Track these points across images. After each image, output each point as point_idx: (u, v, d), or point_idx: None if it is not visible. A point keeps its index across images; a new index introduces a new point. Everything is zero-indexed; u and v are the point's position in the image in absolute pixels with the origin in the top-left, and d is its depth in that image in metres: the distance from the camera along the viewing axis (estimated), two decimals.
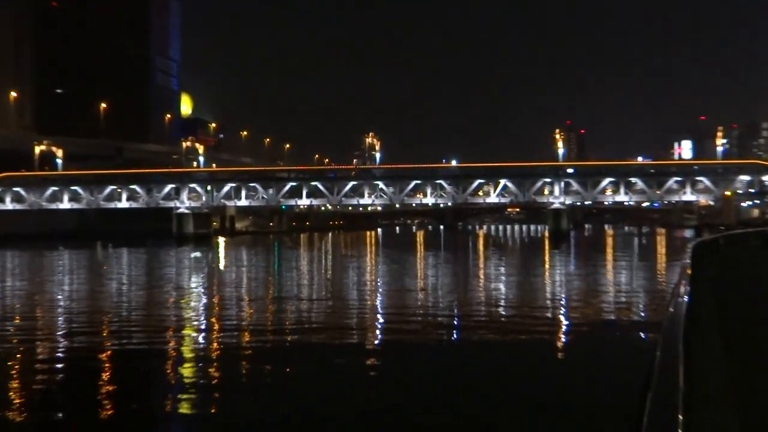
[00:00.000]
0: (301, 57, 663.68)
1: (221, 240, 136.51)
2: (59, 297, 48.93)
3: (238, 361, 25.32)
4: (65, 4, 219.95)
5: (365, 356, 26.27)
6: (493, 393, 20.89)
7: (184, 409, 19.95)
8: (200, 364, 25.53)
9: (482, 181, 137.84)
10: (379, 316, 38.32)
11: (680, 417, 4.96)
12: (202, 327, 35.06)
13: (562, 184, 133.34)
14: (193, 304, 44.78)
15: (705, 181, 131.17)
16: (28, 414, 19.25)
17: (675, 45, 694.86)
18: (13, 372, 24.33)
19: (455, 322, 35.50)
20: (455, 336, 31.86)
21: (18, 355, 27.08)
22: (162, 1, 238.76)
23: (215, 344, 29.40)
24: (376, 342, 30.19)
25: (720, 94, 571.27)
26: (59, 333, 32.81)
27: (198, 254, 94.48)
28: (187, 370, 24.64)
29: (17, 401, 20.39)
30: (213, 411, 19.58)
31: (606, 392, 19.79)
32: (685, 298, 12.66)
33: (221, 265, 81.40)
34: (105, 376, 24.28)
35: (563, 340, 30.96)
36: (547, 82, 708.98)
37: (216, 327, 34.09)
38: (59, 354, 27.70)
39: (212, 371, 24.11)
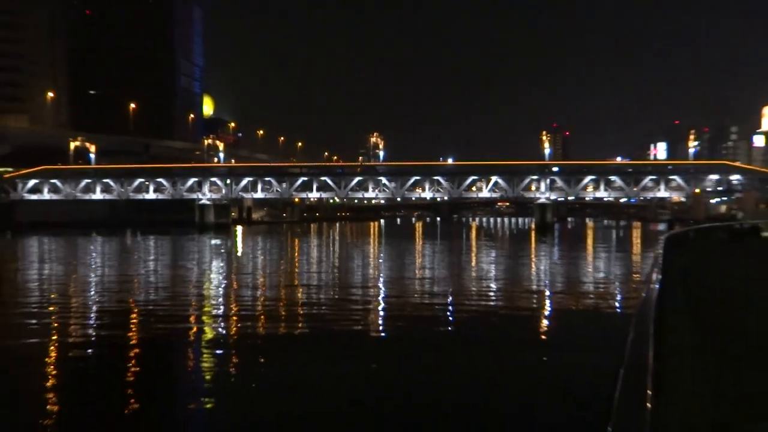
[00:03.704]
0: (314, 65, 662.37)
1: (239, 229, 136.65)
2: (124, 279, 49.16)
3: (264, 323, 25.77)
4: (97, 12, 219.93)
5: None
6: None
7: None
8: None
9: (475, 177, 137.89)
10: (380, 296, 38.60)
11: (649, 392, 5.14)
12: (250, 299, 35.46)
13: (548, 181, 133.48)
14: (235, 281, 45.15)
15: (678, 179, 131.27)
16: None
17: (654, 54, 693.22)
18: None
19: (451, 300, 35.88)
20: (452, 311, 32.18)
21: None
22: (186, 8, 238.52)
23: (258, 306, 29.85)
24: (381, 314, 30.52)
25: (693, 99, 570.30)
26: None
27: (218, 241, 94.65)
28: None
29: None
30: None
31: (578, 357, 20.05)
32: (657, 285, 12.82)
33: (239, 252, 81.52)
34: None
35: (548, 315, 31.14)
36: (537, 88, 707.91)
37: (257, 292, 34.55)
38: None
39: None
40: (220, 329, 28.19)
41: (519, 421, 15.94)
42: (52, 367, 21.84)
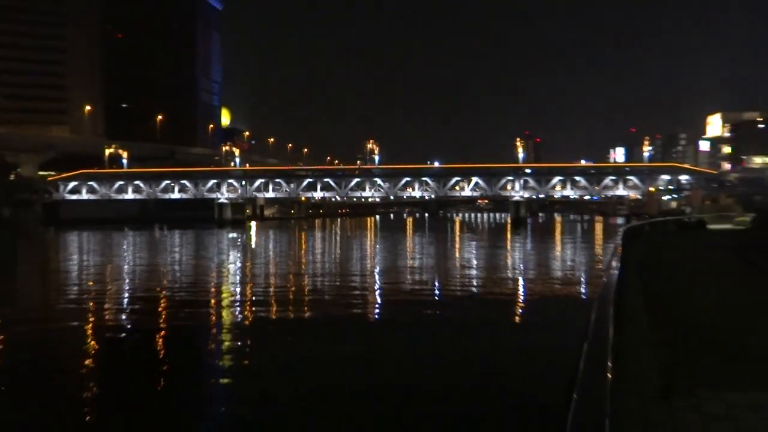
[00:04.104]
0: (318, 78, 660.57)
1: (253, 224, 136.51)
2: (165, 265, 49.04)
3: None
4: (128, 36, 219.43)
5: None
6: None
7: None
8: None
9: (458, 178, 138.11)
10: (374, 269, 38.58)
11: (609, 364, 5.23)
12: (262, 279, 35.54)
13: (522, 181, 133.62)
14: (250, 266, 45.14)
15: (634, 179, 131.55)
16: None
17: (614, 68, 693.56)
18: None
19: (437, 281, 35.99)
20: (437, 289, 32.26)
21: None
22: (205, 33, 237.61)
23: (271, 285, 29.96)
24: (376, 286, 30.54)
25: (648, 109, 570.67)
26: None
27: (235, 235, 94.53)
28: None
29: None
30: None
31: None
32: (616, 271, 12.90)
33: (253, 244, 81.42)
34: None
35: (524, 299, 31.20)
36: (512, 100, 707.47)
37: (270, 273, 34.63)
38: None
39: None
40: (238, 313, 28.23)
41: (495, 382, 16.04)
42: (109, 335, 21.91)
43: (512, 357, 19.20)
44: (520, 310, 29.13)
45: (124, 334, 23.61)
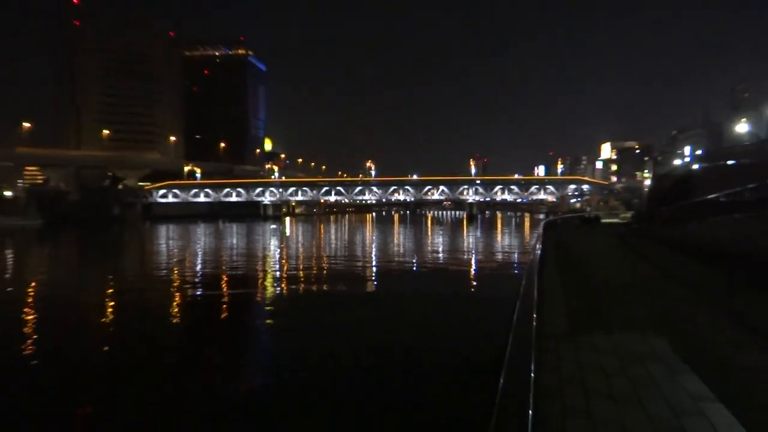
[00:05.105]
0: (331, 117, 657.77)
1: (287, 219, 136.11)
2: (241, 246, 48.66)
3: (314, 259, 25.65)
4: (201, 89, 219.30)
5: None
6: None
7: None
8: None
9: (430, 187, 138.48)
10: (373, 246, 38.46)
11: (534, 315, 5.28)
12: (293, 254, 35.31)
13: (474, 189, 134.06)
14: (291, 244, 44.86)
15: (551, 187, 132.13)
16: None
17: (539, 108, 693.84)
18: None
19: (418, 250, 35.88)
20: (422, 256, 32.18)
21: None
22: (254, 87, 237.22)
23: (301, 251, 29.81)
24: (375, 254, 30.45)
25: (560, 138, 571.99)
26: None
27: (275, 226, 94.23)
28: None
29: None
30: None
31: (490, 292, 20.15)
32: (539, 251, 12.98)
33: (288, 232, 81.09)
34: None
35: (476, 270, 31.21)
36: (469, 131, 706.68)
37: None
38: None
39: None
40: (277, 286, 28.08)
41: (464, 328, 16.09)
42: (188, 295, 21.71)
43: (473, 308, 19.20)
44: (475, 282, 29.15)
45: (196, 297, 23.41)
